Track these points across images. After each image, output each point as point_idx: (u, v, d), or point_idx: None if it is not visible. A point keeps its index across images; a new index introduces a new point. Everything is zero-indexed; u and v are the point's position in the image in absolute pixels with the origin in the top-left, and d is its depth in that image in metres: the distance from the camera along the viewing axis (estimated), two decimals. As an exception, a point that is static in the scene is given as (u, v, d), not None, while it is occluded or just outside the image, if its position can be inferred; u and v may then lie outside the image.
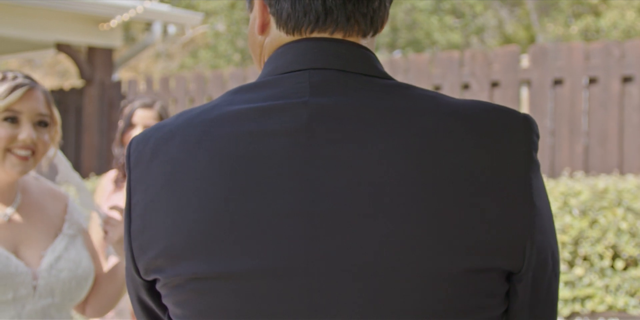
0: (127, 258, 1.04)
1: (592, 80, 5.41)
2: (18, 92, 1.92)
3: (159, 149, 1.00)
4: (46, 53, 9.77)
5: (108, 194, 3.46)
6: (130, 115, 3.39)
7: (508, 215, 0.94)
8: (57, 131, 2.03)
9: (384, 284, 0.92)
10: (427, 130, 0.94)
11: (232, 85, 7.00)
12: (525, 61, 6.03)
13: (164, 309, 1.05)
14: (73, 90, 8.35)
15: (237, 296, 0.94)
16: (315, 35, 1.03)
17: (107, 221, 2.08)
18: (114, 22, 7.87)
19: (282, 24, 1.03)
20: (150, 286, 1.04)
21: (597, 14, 14.91)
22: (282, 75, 1.01)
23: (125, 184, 3.39)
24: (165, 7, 8.47)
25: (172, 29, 8.49)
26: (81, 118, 8.06)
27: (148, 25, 8.50)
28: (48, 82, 15.98)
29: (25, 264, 1.90)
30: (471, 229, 0.92)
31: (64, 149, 1.94)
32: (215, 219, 0.94)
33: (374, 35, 1.06)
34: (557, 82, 5.54)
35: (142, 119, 3.36)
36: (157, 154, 1.00)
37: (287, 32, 1.03)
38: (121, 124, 3.46)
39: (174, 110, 7.00)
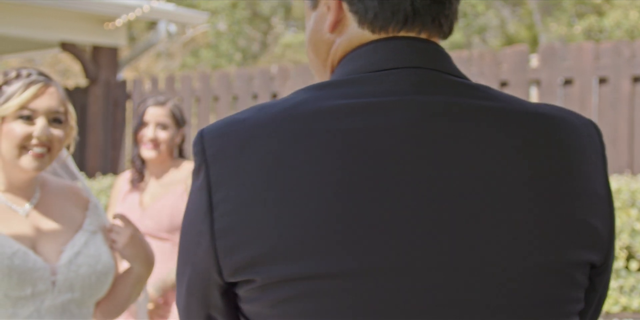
0: (204, 259, 0.98)
1: (602, 80, 5.39)
2: (32, 90, 1.92)
3: (250, 142, 0.96)
4: (48, 52, 9.75)
5: (123, 195, 3.46)
6: (142, 114, 3.39)
7: (598, 209, 1.00)
8: (72, 127, 2.03)
9: (499, 279, 0.93)
10: (523, 129, 0.98)
11: (238, 84, 6.96)
12: (534, 61, 6.01)
13: (230, 315, 1.02)
14: (77, 89, 8.32)
15: (351, 295, 0.92)
16: (402, 34, 1.03)
17: (112, 229, 2.06)
18: (119, 22, 7.85)
19: (367, 22, 1.03)
20: (228, 289, 0.99)
21: (600, 13, 14.90)
22: (376, 72, 1.01)
23: (141, 185, 3.40)
24: (170, 7, 8.44)
25: (172, 28, 8.45)
26: (86, 117, 8.04)
27: (152, 24, 8.47)
28: (49, 82, 15.87)
29: (44, 260, 1.90)
30: (572, 222, 0.97)
31: (68, 148, 1.95)
32: (328, 216, 0.92)
33: (447, 37, 1.08)
34: (567, 82, 5.53)
35: (154, 116, 3.36)
36: (248, 147, 0.96)
37: (373, 31, 1.03)
38: (134, 123, 3.47)
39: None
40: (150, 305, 3.21)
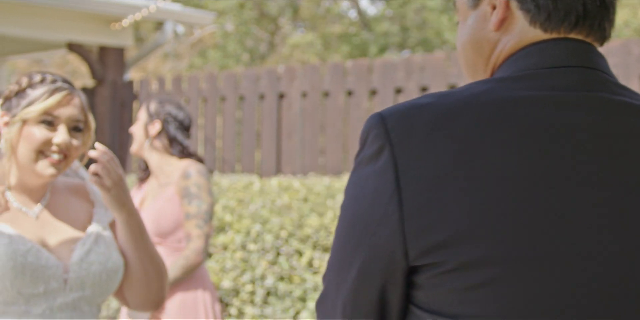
0: (388, 241, 0.98)
1: (612, 79, 5.35)
2: (57, 97, 1.95)
3: (441, 124, 0.98)
4: (55, 53, 9.76)
5: (132, 193, 3.46)
6: None
7: None
8: (90, 136, 2.06)
9: None
10: None
11: (245, 85, 6.94)
12: (542, 60, 5.97)
13: (402, 302, 1.01)
14: (84, 90, 8.32)
15: (543, 281, 0.94)
16: (572, 35, 1.08)
17: (101, 161, 1.92)
18: (126, 22, 7.84)
19: (540, 22, 1.08)
20: (409, 273, 0.99)
21: (608, 12, 14.85)
22: (550, 69, 1.04)
23: (144, 183, 3.38)
24: (177, 7, 8.43)
25: (179, 29, 8.44)
26: (93, 118, 8.03)
27: (159, 25, 8.46)
28: (57, 83, 15.85)
29: (56, 258, 1.92)
30: None
31: (82, 157, 1.95)
32: (519, 200, 0.94)
33: (604, 43, 1.12)
34: (576, 80, 5.49)
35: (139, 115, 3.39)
36: (438, 129, 0.98)
37: (545, 30, 1.08)
38: None
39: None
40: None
